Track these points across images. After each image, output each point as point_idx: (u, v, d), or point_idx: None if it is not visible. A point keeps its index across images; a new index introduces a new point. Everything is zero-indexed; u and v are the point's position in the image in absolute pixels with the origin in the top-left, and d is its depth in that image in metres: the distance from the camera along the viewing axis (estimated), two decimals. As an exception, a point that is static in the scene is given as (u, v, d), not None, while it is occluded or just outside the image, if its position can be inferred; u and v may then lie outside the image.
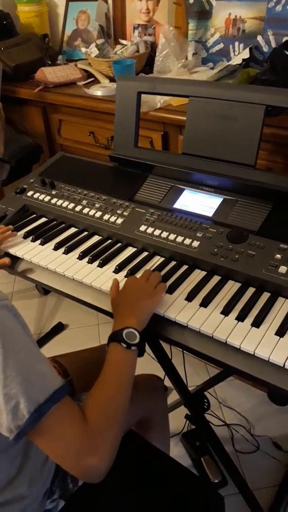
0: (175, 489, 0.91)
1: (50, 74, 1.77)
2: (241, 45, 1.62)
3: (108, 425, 0.68)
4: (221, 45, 1.68)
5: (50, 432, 0.64)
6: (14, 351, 0.63)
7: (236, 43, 1.64)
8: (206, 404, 1.32)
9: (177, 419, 1.55)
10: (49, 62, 1.91)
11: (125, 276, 0.98)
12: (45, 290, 2.35)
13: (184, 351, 1.09)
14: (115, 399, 0.72)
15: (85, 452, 0.63)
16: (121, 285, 0.93)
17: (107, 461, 0.65)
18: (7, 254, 1.11)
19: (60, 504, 0.90)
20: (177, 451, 1.58)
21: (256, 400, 1.74)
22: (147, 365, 1.42)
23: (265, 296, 0.89)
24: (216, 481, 1.45)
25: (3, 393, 0.61)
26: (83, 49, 1.86)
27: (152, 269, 0.99)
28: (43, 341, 2.08)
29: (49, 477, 0.88)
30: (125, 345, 0.78)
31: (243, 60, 1.52)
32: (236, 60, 1.55)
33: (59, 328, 2.16)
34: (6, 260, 1.09)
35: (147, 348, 1.31)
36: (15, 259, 1.10)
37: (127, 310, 0.86)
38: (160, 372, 1.32)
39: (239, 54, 1.60)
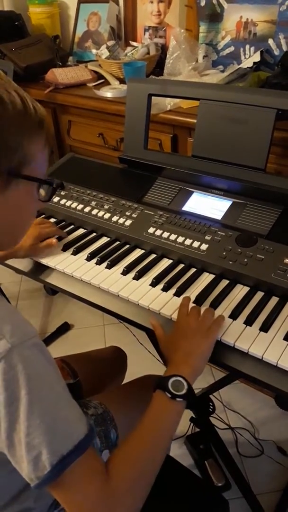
0: (180, 492, 0.91)
1: (61, 75, 1.77)
2: (252, 48, 1.62)
3: (132, 486, 0.62)
4: (232, 48, 1.67)
5: (68, 486, 0.59)
6: (40, 397, 0.58)
7: (247, 46, 1.63)
8: (211, 407, 1.32)
9: (182, 422, 1.54)
10: (60, 63, 1.91)
11: (133, 278, 0.98)
12: (52, 291, 2.36)
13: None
14: (147, 456, 0.66)
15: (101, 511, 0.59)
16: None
17: None
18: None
19: None
20: (180, 454, 1.57)
21: (261, 404, 1.73)
22: (153, 366, 1.42)
23: (274, 300, 0.89)
24: (219, 484, 1.45)
25: (25, 442, 0.57)
26: (94, 51, 1.86)
27: (163, 270, 0.99)
28: (48, 340, 2.08)
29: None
30: (169, 395, 0.71)
31: (254, 63, 1.52)
32: (247, 63, 1.55)
33: (65, 328, 2.16)
34: (53, 240, 1.07)
35: (152, 348, 1.31)
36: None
37: (180, 357, 0.78)
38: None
39: (250, 58, 1.60)
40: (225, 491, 1.44)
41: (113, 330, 2.12)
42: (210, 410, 1.32)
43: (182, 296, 0.92)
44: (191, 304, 0.90)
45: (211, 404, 1.32)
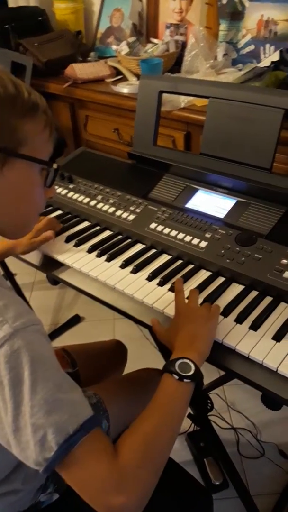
0: (164, 485, 0.92)
1: (80, 70, 1.80)
2: (272, 48, 1.61)
3: (142, 463, 0.62)
4: (252, 47, 1.66)
5: (76, 465, 0.59)
6: (43, 378, 0.59)
7: (267, 45, 1.62)
8: (210, 405, 1.32)
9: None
10: (80, 59, 1.94)
11: (131, 272, 0.99)
12: (54, 281, 2.38)
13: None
14: (156, 434, 0.65)
15: (110, 490, 0.59)
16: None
17: (137, 502, 0.60)
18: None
19: (54, 497, 0.90)
20: (180, 450, 1.58)
21: (264, 406, 1.72)
22: (158, 362, 1.43)
23: (267, 300, 0.89)
24: (217, 483, 1.45)
25: (30, 422, 0.57)
26: (114, 47, 1.88)
27: (158, 265, 1.00)
28: (58, 332, 2.12)
29: (44, 475, 0.87)
30: (177, 377, 0.71)
31: (272, 62, 1.50)
32: (265, 62, 1.54)
33: (76, 320, 2.19)
34: (49, 233, 1.06)
35: (154, 342, 1.31)
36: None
37: (184, 342, 0.78)
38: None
39: (269, 57, 1.58)
40: (222, 490, 1.45)
41: (123, 325, 2.14)
42: (208, 407, 1.32)
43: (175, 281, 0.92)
44: (187, 292, 0.90)
45: (209, 401, 1.32)
